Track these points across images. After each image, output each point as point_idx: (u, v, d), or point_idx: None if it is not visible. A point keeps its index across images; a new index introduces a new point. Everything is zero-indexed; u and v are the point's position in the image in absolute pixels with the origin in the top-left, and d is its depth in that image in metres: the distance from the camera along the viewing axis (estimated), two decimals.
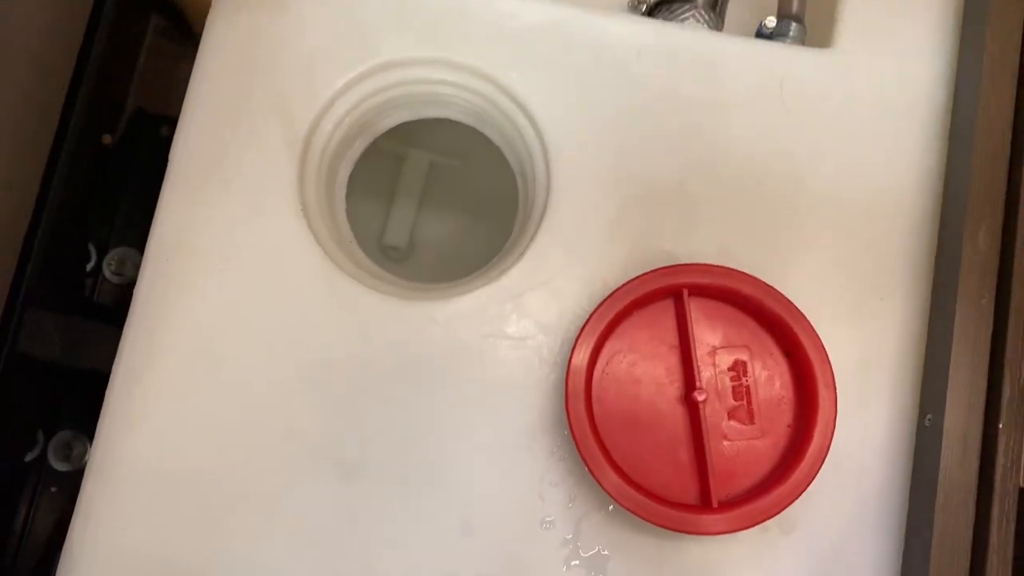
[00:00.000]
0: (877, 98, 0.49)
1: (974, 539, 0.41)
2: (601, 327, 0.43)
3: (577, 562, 0.44)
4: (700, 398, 0.43)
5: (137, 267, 0.48)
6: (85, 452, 0.72)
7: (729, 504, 0.42)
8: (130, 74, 0.83)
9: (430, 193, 0.73)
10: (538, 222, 0.48)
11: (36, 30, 0.45)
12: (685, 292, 0.44)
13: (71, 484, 0.71)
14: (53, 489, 0.70)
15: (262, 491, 0.45)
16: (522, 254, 0.47)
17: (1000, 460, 0.41)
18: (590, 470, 0.43)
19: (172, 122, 0.59)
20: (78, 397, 0.71)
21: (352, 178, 0.55)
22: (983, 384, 0.43)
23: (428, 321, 0.46)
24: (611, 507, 0.44)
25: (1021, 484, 0.41)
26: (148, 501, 0.44)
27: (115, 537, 0.44)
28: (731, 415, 0.44)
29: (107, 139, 0.72)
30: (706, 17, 0.51)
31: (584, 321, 0.44)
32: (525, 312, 0.46)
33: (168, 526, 0.44)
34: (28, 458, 0.70)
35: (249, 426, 0.45)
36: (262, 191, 0.48)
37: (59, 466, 0.71)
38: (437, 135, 0.71)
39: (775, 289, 0.44)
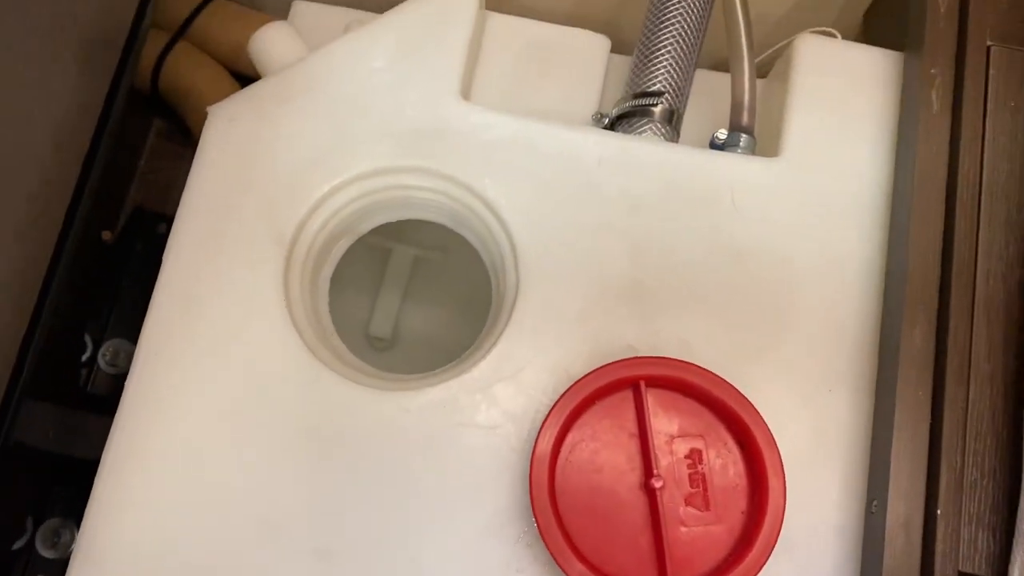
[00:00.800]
0: (821, 204, 0.53)
1: None
2: (563, 417, 0.46)
3: None
4: (657, 485, 0.46)
5: (131, 358, 0.51)
6: (72, 540, 0.74)
7: None
8: (131, 172, 0.88)
9: (414, 285, 0.77)
10: (508, 317, 0.51)
11: (43, 133, 0.49)
12: (642, 383, 0.47)
13: (59, 572, 0.72)
14: None
15: None
16: (492, 347, 0.50)
17: (939, 546, 0.43)
18: (555, 558, 0.45)
19: (169, 220, 0.63)
20: (69, 484, 0.73)
21: (340, 270, 0.59)
22: (923, 472, 0.45)
23: (401, 411, 0.49)
24: None
25: (960, 569, 0.44)
26: None
27: None
28: (688, 501, 0.47)
29: (107, 235, 0.76)
30: (663, 130, 0.55)
31: (548, 411, 0.47)
32: (494, 402, 0.49)
33: None
34: (16, 546, 0.71)
35: (229, 515, 0.47)
36: (249, 289, 0.51)
37: (47, 553, 0.72)
38: (421, 230, 0.76)
39: (727, 382, 0.47)
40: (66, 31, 0.50)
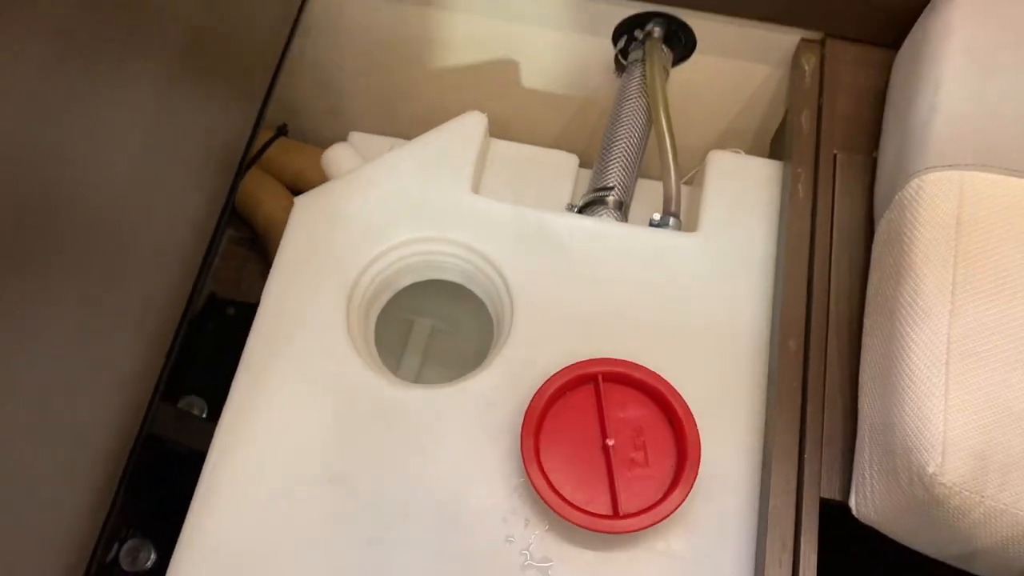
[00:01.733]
0: (727, 264, 0.75)
1: None
2: (545, 397, 0.66)
3: (530, 562, 0.64)
4: (610, 443, 0.65)
5: (203, 411, 0.71)
6: (149, 558, 0.90)
7: (630, 514, 0.63)
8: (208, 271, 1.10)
9: (431, 350, 0.97)
10: (506, 338, 0.72)
11: (187, 228, 0.70)
12: (600, 376, 0.67)
13: None
14: None
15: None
16: (494, 359, 0.71)
17: (807, 478, 0.62)
18: (538, 494, 0.63)
19: (238, 304, 0.83)
20: (148, 503, 0.90)
21: (375, 334, 0.79)
22: (796, 435, 0.65)
23: (432, 402, 0.69)
24: (550, 523, 0.64)
25: (822, 495, 0.62)
26: None
27: None
28: (632, 459, 0.65)
29: None
30: (615, 214, 0.78)
31: (532, 395, 0.66)
32: (495, 393, 0.69)
33: None
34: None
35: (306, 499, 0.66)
36: (323, 321, 0.72)
37: (128, 567, 0.89)
38: (438, 307, 0.97)
39: (660, 376, 0.67)
40: (208, 158, 0.73)
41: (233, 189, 0.77)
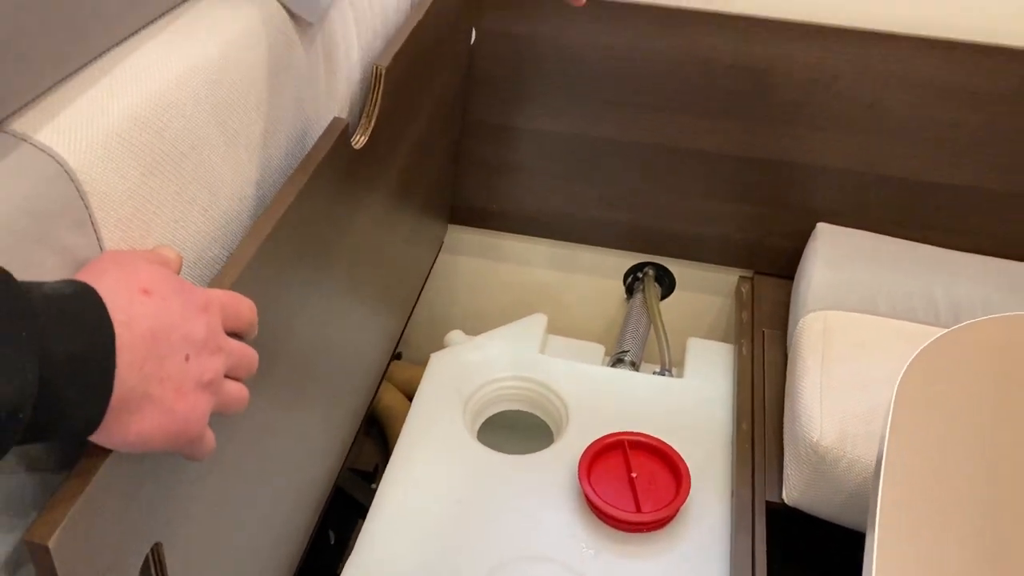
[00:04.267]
0: (702, 397, 1.19)
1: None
2: (592, 454, 1.07)
3: (587, 550, 1.00)
4: (634, 475, 1.04)
5: None
6: None
7: (649, 513, 1.00)
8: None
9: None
10: (565, 429, 1.13)
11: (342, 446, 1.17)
12: (626, 442, 1.08)
13: None
14: None
15: None
16: (554, 445, 1.12)
17: (757, 485, 1.01)
18: (589, 501, 1.01)
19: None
20: None
21: None
22: (749, 466, 1.04)
23: (523, 467, 1.09)
24: (594, 526, 1.01)
25: (767, 499, 1.00)
26: None
27: None
28: (648, 484, 1.04)
29: None
30: (630, 367, 1.24)
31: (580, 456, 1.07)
32: (560, 461, 1.09)
33: None
34: None
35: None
36: (446, 426, 1.14)
37: None
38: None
39: (663, 440, 1.08)
40: (374, 343, 1.21)
41: (384, 373, 1.24)
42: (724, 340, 1.34)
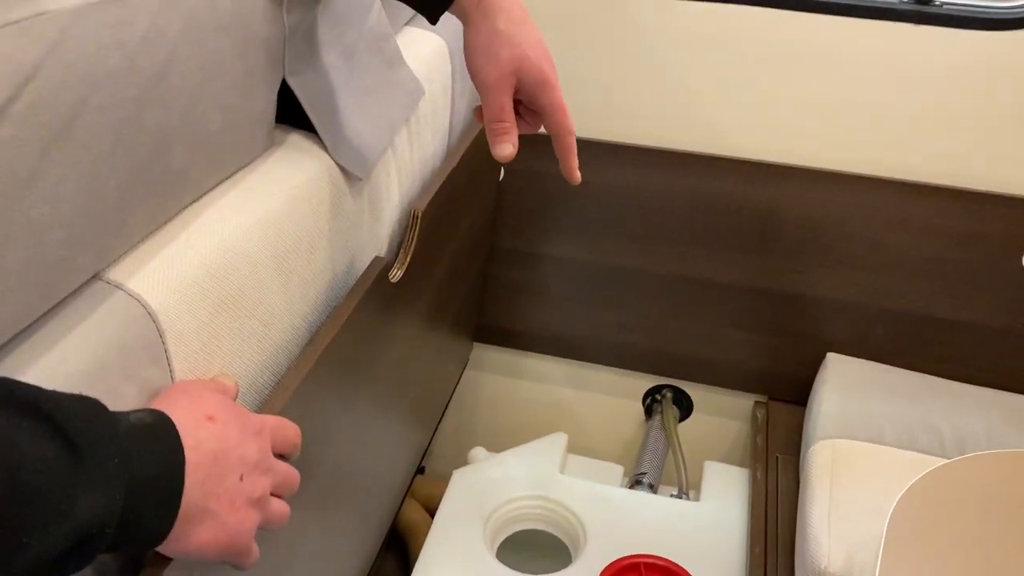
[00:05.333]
0: (718, 517, 1.22)
1: None
2: (612, 570, 1.10)
3: None
4: None
5: None
6: None
7: None
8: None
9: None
10: (582, 556, 1.16)
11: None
12: (642, 565, 1.11)
13: None
14: None
15: None
16: (573, 564, 1.15)
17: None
18: None
19: None
20: None
21: None
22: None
23: None
24: None
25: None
26: None
27: None
28: None
29: None
30: (648, 490, 1.28)
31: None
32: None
33: None
34: None
35: None
36: (464, 540, 1.18)
37: None
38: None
39: (679, 564, 1.11)
40: (401, 458, 1.27)
41: (409, 488, 1.29)
42: (741, 463, 1.37)
